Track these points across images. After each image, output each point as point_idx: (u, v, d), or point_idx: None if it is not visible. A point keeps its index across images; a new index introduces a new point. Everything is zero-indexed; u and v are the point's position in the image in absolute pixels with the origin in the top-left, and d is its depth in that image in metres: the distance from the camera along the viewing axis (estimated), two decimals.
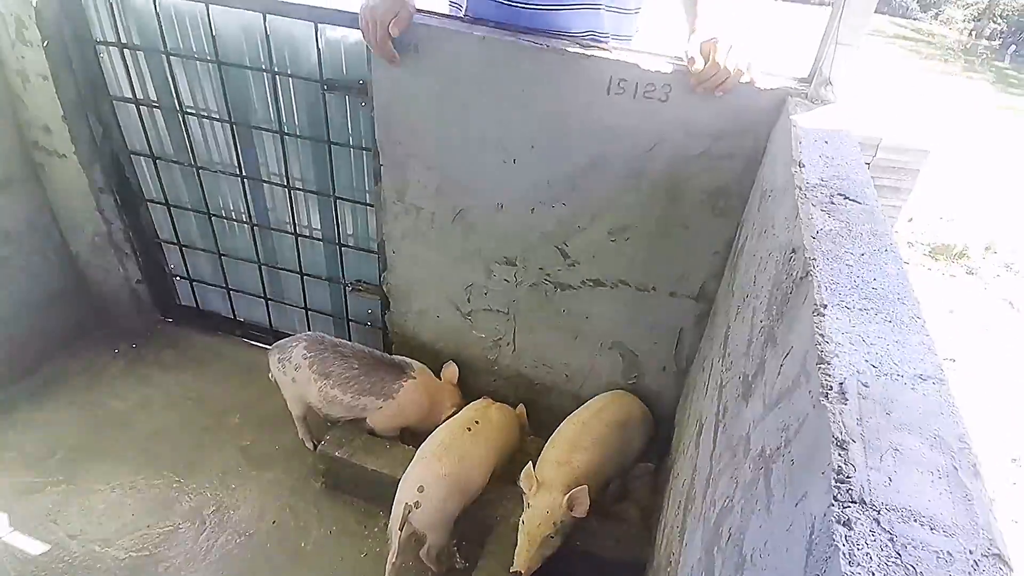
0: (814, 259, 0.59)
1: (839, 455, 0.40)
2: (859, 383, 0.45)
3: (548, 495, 1.12)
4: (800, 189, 0.71)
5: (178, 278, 1.81)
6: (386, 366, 1.41)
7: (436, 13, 1.14)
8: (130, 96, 1.49)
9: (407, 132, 1.25)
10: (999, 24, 11.06)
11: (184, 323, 1.86)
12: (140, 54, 1.43)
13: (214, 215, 1.63)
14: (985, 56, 10.04)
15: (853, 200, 0.71)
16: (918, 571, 0.34)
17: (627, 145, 1.11)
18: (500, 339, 1.50)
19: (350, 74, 1.31)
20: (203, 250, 1.72)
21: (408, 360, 1.46)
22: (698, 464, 0.90)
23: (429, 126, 1.22)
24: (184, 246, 1.72)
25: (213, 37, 1.33)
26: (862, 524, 0.36)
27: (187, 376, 1.71)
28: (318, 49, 1.29)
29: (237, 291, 1.76)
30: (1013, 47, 10.27)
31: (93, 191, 1.57)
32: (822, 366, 0.47)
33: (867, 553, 0.34)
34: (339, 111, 1.38)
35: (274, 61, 1.34)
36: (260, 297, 1.74)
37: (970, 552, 0.35)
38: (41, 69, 1.42)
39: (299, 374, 1.37)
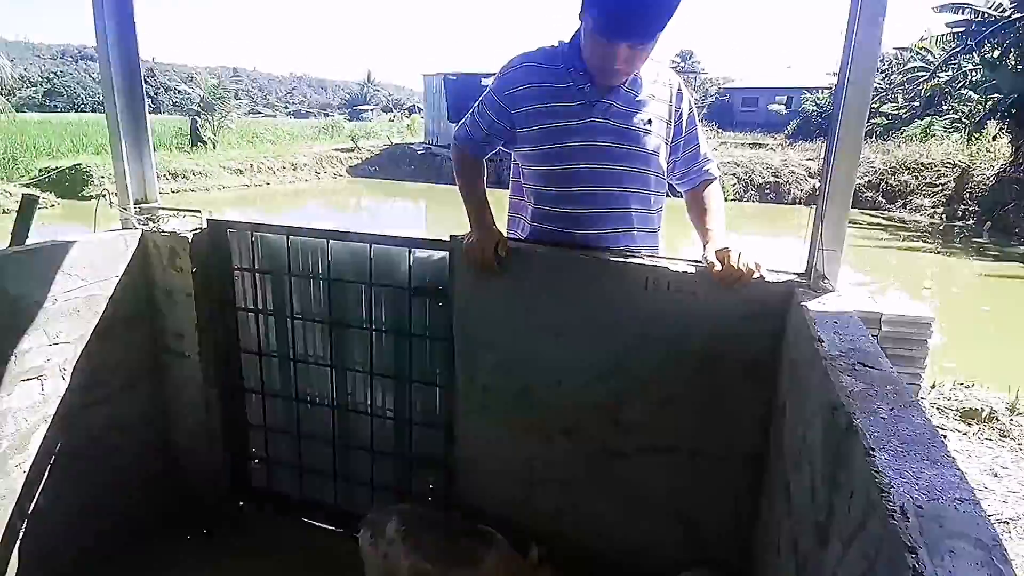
0: (853, 414, 0.76)
1: (911, 558, 0.54)
2: (915, 506, 0.60)
3: None
4: (826, 360, 0.91)
5: (255, 461, 1.96)
6: (469, 534, 1.49)
7: (508, 237, 1.51)
8: (252, 307, 1.84)
9: (480, 325, 1.54)
10: (968, 205, 12.28)
11: (255, 505, 1.96)
12: (268, 276, 1.82)
13: (301, 400, 1.86)
14: (963, 234, 10.99)
15: (872, 367, 0.89)
16: None
17: (666, 329, 1.36)
18: (560, 509, 1.58)
19: (432, 281, 1.65)
20: (284, 432, 1.90)
21: (491, 531, 1.52)
22: None
23: (499, 319, 1.51)
24: (268, 430, 1.91)
25: (329, 262, 1.73)
26: None
27: (256, 562, 1.75)
28: (409, 266, 1.66)
29: (310, 471, 1.89)
30: (988, 223, 11.28)
31: (205, 385, 1.83)
32: (884, 495, 0.62)
33: None
34: (420, 310, 1.70)
35: (372, 276, 1.70)
36: (330, 475, 1.87)
37: None
38: (186, 288, 1.79)
39: (391, 549, 1.45)
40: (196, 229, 1.81)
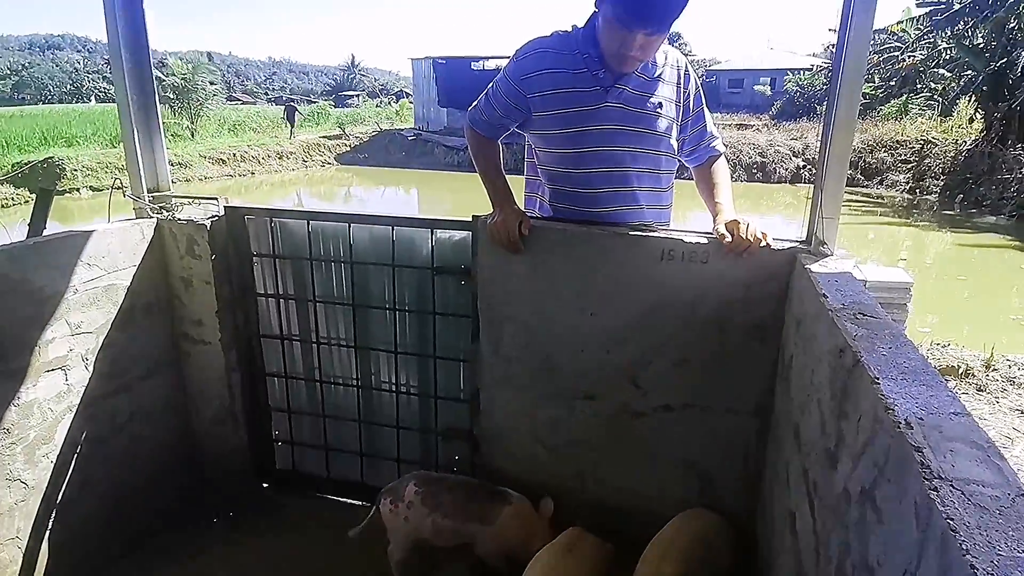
0: (859, 352, 0.87)
1: (918, 455, 0.63)
2: (917, 418, 0.70)
3: None
4: (831, 311, 1.02)
5: (279, 443, 2.02)
6: (488, 493, 1.59)
7: (532, 217, 1.58)
8: (272, 292, 1.89)
9: (504, 300, 1.61)
10: (940, 180, 12.71)
11: (279, 487, 2.02)
12: (288, 261, 1.86)
13: (324, 382, 1.92)
14: (935, 208, 11.38)
15: (870, 316, 1.00)
16: (983, 507, 0.56)
17: (679, 295, 1.46)
18: (582, 470, 1.67)
19: (455, 261, 1.72)
20: (309, 414, 1.97)
21: (507, 490, 1.62)
22: (801, 546, 1.06)
23: (522, 294, 1.58)
24: (292, 412, 1.97)
25: (350, 245, 1.78)
26: (944, 489, 0.58)
27: (282, 541, 1.81)
28: (431, 246, 1.72)
29: (335, 449, 1.96)
30: (960, 196, 11.69)
31: (227, 371, 1.88)
32: (889, 412, 0.72)
33: (952, 500, 0.57)
34: (442, 289, 1.76)
35: (395, 258, 1.76)
36: (356, 453, 1.94)
37: (1008, 495, 0.57)
38: (205, 276, 1.82)
39: (412, 512, 1.53)
40: (213, 216, 1.83)
